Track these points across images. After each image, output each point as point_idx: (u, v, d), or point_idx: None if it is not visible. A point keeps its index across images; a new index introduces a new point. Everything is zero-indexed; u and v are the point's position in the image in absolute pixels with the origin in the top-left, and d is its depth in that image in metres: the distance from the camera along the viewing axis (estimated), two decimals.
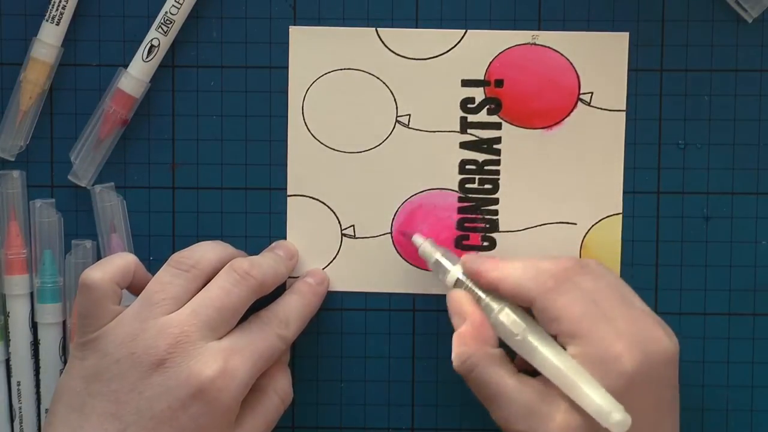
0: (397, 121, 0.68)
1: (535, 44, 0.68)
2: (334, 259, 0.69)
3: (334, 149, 0.69)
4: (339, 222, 0.69)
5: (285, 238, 0.69)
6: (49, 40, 0.67)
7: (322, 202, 0.69)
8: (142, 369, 0.60)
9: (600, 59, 0.68)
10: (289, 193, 0.69)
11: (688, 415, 0.68)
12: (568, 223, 0.68)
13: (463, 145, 0.68)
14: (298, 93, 0.68)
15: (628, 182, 0.69)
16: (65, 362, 0.69)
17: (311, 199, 0.69)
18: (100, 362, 0.61)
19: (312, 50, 0.68)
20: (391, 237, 0.69)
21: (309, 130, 0.68)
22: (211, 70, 0.69)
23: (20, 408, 0.69)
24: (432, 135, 0.68)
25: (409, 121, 0.68)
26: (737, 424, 0.69)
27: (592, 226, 0.68)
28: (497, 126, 0.68)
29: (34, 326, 0.69)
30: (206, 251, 0.65)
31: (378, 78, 0.68)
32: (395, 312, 0.69)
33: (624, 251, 0.69)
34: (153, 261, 0.69)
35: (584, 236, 0.68)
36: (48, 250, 0.68)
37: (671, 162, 0.68)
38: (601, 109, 0.68)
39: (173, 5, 0.66)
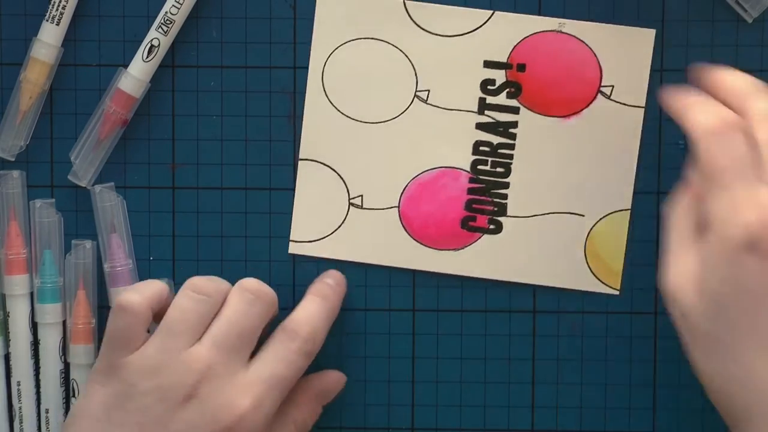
0: (416, 95, 0.68)
1: (561, 32, 0.67)
2: (339, 227, 0.69)
3: (349, 117, 0.68)
4: (348, 191, 0.69)
5: (286, 237, 0.69)
6: (49, 40, 0.67)
7: (333, 169, 0.69)
8: (169, 404, 0.60)
9: (625, 53, 0.67)
10: (300, 156, 0.68)
11: (692, 416, 0.68)
12: (576, 214, 0.68)
13: (479, 126, 0.68)
14: (320, 57, 0.68)
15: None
16: (65, 362, 0.69)
17: (322, 165, 0.69)
18: (124, 391, 0.61)
19: (337, 16, 0.68)
20: (398, 211, 0.69)
21: (327, 96, 0.68)
22: (211, 70, 0.69)
23: (20, 408, 0.69)
24: (449, 113, 0.68)
25: (427, 97, 0.68)
26: None
27: (600, 219, 0.68)
28: (515, 110, 0.68)
29: (33, 326, 0.69)
30: (221, 280, 0.64)
31: (401, 50, 0.68)
32: (395, 312, 0.69)
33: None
34: (153, 261, 0.69)
35: (591, 229, 0.68)
36: (48, 250, 0.68)
37: (671, 162, 0.68)
38: (621, 103, 0.68)
39: (173, 5, 0.66)
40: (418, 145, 0.68)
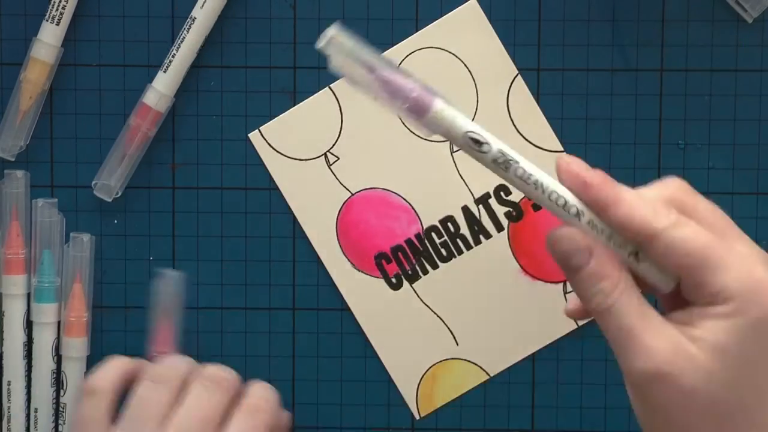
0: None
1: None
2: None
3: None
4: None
5: (287, 237, 0.69)
6: (49, 40, 0.67)
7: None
8: None
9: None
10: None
11: None
12: None
13: (465, 211, 0.69)
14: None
15: (628, 182, 0.68)
16: (58, 362, 0.69)
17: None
18: None
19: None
20: (348, 201, 0.69)
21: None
22: (211, 70, 0.69)
23: (9, 408, 0.69)
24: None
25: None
26: None
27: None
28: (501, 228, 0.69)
29: (28, 326, 0.69)
30: (178, 361, 0.64)
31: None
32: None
33: None
34: (153, 261, 0.69)
35: None
36: (47, 249, 0.68)
37: (671, 162, 0.68)
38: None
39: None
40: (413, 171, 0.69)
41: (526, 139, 0.68)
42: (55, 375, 0.69)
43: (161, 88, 0.67)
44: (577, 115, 0.68)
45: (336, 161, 0.69)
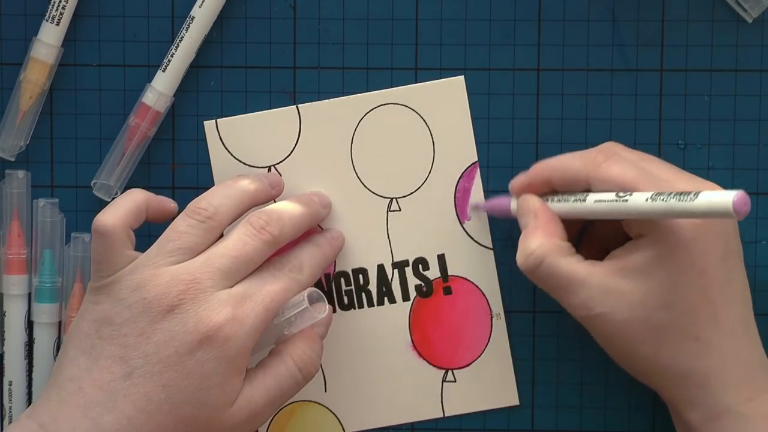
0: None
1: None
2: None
3: None
4: None
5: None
6: (49, 40, 0.67)
7: None
8: (152, 314, 0.60)
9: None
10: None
11: None
12: None
13: (396, 265, 0.69)
14: None
15: None
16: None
17: None
18: (112, 307, 0.61)
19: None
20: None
21: None
22: (211, 70, 0.69)
23: (10, 407, 0.69)
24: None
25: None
26: None
27: None
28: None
29: (29, 326, 0.69)
30: (224, 198, 0.64)
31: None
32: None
33: None
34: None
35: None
36: (48, 249, 0.68)
37: (671, 162, 0.68)
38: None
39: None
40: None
41: (462, 227, 0.69)
42: None
43: (160, 88, 0.67)
44: (577, 115, 0.68)
45: None
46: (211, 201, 0.64)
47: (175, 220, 0.63)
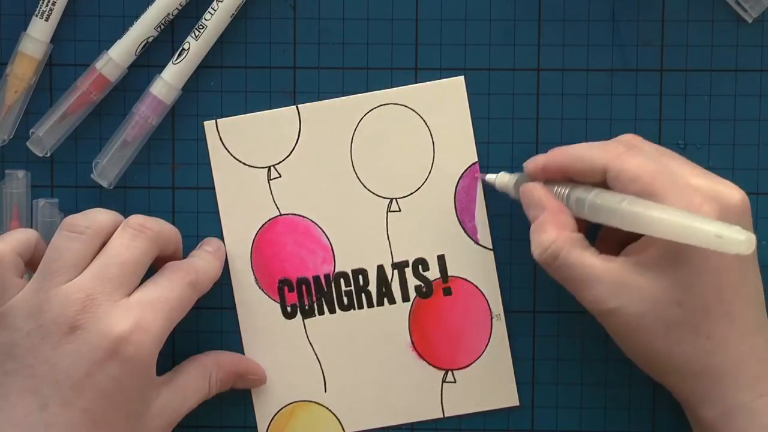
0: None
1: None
2: None
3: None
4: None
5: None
6: (37, 36, 0.67)
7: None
8: (53, 340, 0.59)
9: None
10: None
11: None
12: None
13: (396, 267, 0.69)
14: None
15: None
16: None
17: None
18: (10, 339, 0.60)
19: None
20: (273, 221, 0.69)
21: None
22: (211, 70, 0.69)
23: None
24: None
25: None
26: None
27: None
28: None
29: None
30: (98, 212, 0.64)
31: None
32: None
33: None
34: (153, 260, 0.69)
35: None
36: None
37: None
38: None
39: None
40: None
41: (463, 227, 0.68)
42: None
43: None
44: (577, 115, 0.68)
45: (276, 178, 0.68)
46: (86, 215, 0.63)
47: (53, 239, 0.62)
